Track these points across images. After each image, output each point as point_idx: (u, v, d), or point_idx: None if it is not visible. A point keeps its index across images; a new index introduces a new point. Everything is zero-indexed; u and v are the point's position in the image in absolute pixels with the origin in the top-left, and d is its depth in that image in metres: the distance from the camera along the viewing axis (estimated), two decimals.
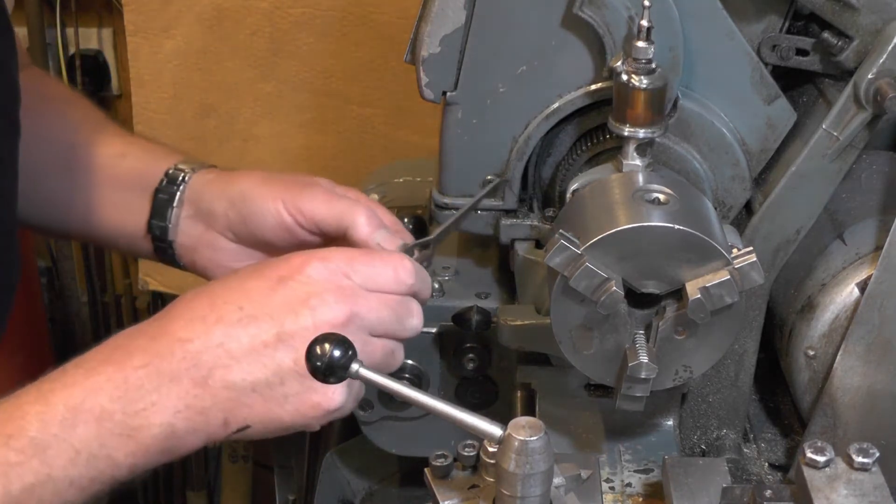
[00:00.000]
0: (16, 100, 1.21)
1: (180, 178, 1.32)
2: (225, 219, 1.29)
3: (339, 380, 0.89)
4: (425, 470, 0.97)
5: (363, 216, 1.20)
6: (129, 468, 1.04)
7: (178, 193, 1.32)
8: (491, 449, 0.91)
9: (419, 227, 1.35)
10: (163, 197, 1.32)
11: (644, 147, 1.08)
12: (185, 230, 1.33)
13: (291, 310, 1.06)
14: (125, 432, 1.03)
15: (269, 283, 1.08)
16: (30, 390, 1.03)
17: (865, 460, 0.95)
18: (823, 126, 1.10)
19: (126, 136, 1.40)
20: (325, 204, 1.22)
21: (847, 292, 1.13)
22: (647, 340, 1.03)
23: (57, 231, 1.44)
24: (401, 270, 1.12)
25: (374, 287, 1.10)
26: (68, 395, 1.02)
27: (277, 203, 1.24)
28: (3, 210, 1.21)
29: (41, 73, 1.43)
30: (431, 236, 1.21)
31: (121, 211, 1.36)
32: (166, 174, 1.33)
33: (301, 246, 1.24)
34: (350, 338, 1.03)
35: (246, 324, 1.06)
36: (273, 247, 1.26)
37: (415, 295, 1.13)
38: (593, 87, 1.14)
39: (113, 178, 1.35)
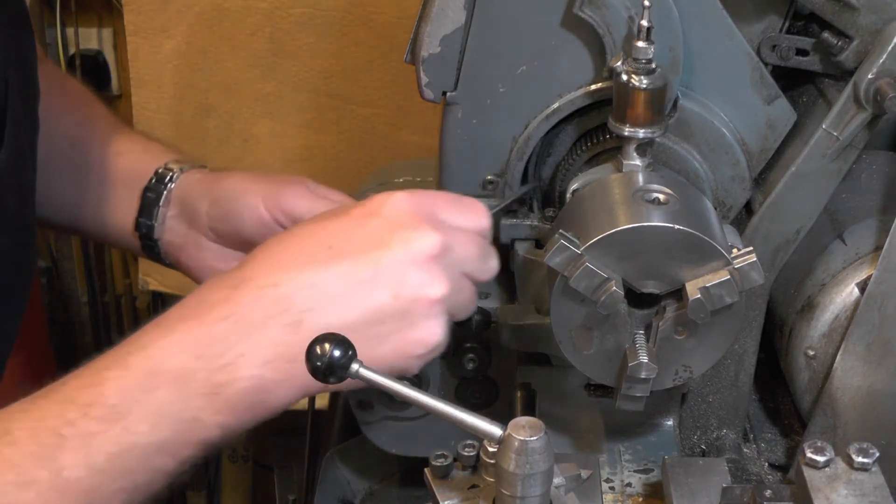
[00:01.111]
0: (36, 95, 1.22)
1: (168, 178, 1.33)
2: (207, 217, 1.29)
3: (339, 380, 0.89)
4: (425, 470, 0.97)
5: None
6: (217, 428, 0.98)
7: (165, 192, 1.32)
8: (491, 449, 0.91)
9: None
10: (150, 195, 1.33)
11: (644, 147, 1.08)
12: (171, 229, 1.33)
13: (384, 244, 1.00)
14: (209, 390, 0.97)
15: (354, 220, 1.03)
16: (106, 356, 0.98)
17: (865, 460, 0.95)
18: (823, 126, 1.10)
19: (125, 133, 1.41)
20: (305, 203, 1.22)
21: (847, 292, 1.13)
22: (647, 340, 1.03)
23: (58, 225, 1.44)
24: (481, 213, 1.08)
25: (457, 225, 1.05)
26: (147, 356, 0.97)
27: (258, 200, 1.24)
28: (24, 204, 1.21)
29: (49, 65, 1.43)
30: (496, 209, 1.19)
31: (114, 208, 1.36)
32: (156, 173, 1.33)
33: None
34: (443, 270, 1.01)
35: (337, 262, 1.00)
36: (253, 245, 1.26)
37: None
38: (593, 87, 1.14)
39: (110, 175, 1.36)
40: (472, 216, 1.08)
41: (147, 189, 1.33)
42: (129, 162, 1.36)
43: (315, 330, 0.95)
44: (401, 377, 1.20)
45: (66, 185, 1.36)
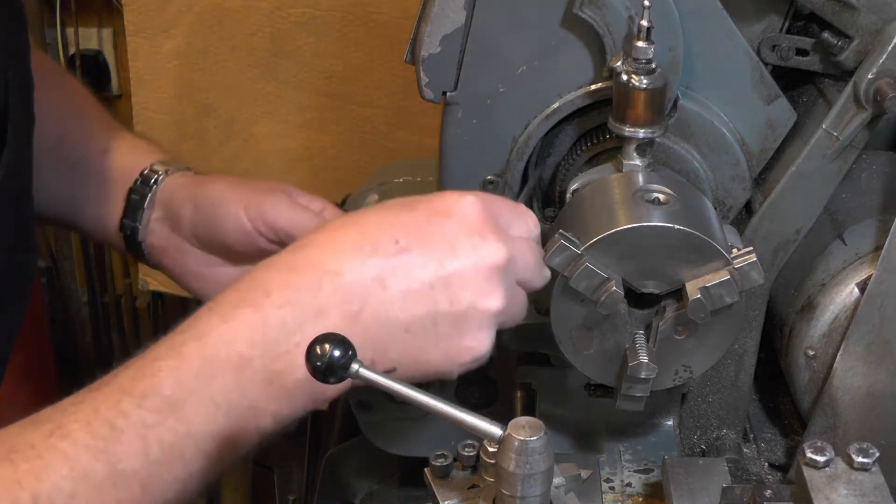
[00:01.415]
0: (31, 91, 1.21)
1: (153, 180, 1.32)
2: (190, 223, 1.29)
3: (339, 380, 0.89)
4: (425, 470, 0.97)
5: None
6: (273, 417, 0.97)
7: (150, 195, 1.32)
8: (491, 449, 0.91)
9: None
10: (135, 197, 1.32)
11: (644, 147, 1.08)
12: (155, 232, 1.33)
13: (451, 247, 0.99)
14: (267, 378, 0.95)
15: (424, 217, 1.01)
16: (160, 345, 0.96)
17: (865, 460, 0.95)
18: (823, 126, 1.10)
19: (112, 129, 1.40)
20: (287, 213, 1.22)
21: (847, 292, 1.13)
22: (647, 340, 1.03)
23: (47, 219, 1.43)
24: (532, 220, 1.07)
25: (517, 233, 1.04)
26: (202, 345, 0.95)
27: (239, 208, 1.23)
28: (24, 204, 1.21)
29: (40, 57, 1.43)
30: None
31: (98, 206, 1.36)
32: (141, 174, 1.33)
33: (261, 253, 1.22)
34: (503, 282, 1.00)
35: (404, 258, 0.98)
36: (234, 252, 1.26)
37: None
38: (593, 87, 1.14)
39: (96, 173, 1.36)
40: (529, 224, 1.07)
41: (132, 190, 1.33)
42: (115, 160, 1.36)
43: (373, 322, 0.97)
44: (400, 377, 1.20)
45: (55, 180, 1.36)
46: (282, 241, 1.22)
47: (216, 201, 1.26)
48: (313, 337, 0.92)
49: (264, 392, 0.96)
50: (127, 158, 1.35)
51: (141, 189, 1.32)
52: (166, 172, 1.33)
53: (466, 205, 1.02)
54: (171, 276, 1.35)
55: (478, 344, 1.01)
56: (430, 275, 0.99)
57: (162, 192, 1.32)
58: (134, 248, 1.35)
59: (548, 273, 1.06)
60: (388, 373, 0.97)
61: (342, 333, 0.93)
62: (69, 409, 0.94)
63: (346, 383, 0.95)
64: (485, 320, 1.01)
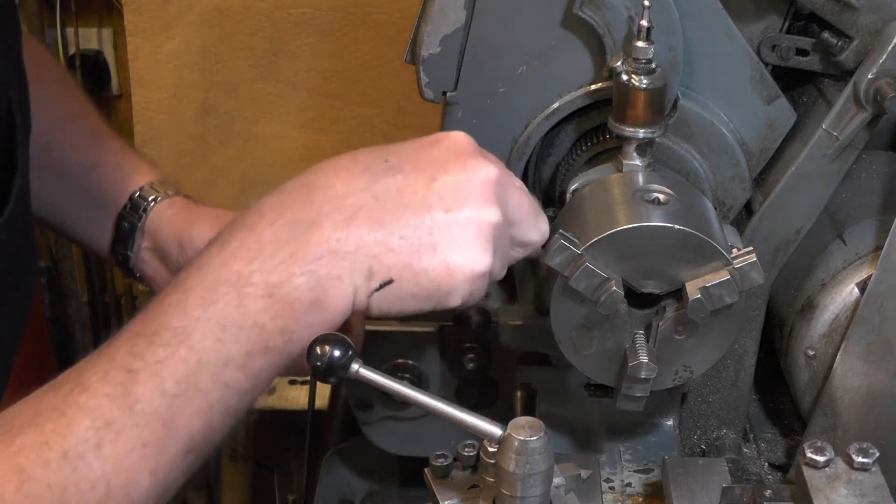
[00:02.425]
0: (28, 98, 1.21)
1: (142, 208, 1.32)
2: (176, 263, 1.29)
3: (339, 379, 0.89)
4: (425, 470, 0.97)
5: None
6: (280, 334, 0.96)
7: (139, 224, 1.31)
8: (491, 449, 0.91)
9: None
10: (125, 225, 1.32)
11: (644, 147, 1.08)
12: (146, 261, 1.33)
13: (442, 165, 1.00)
14: (266, 292, 0.95)
15: (415, 145, 1.02)
16: (169, 288, 0.97)
17: (865, 460, 0.95)
18: (823, 126, 1.10)
19: (99, 140, 1.38)
20: None
21: (847, 292, 1.13)
22: (647, 340, 1.03)
23: (43, 224, 1.43)
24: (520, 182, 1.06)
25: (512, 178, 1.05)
26: (204, 274, 0.96)
27: None
28: (28, 212, 1.21)
29: (32, 49, 1.42)
30: None
31: (89, 226, 1.35)
32: (130, 199, 1.32)
33: None
34: (497, 199, 0.99)
35: (394, 174, 0.99)
36: None
37: None
38: (593, 87, 1.14)
39: (82, 189, 1.35)
40: (518, 182, 1.06)
41: (121, 217, 1.32)
42: (101, 179, 1.34)
43: (365, 228, 0.96)
44: (401, 377, 1.20)
45: (42, 186, 1.35)
46: None
47: (199, 245, 1.25)
48: (306, 247, 0.95)
49: (266, 307, 0.95)
50: (114, 177, 1.34)
51: (130, 217, 1.32)
52: (155, 199, 1.32)
53: (455, 135, 1.03)
54: None
55: (476, 257, 0.99)
56: (422, 187, 0.99)
57: (151, 222, 1.31)
58: (127, 272, 1.36)
59: (544, 227, 1.06)
60: (384, 285, 0.97)
61: (334, 241, 0.95)
62: (86, 367, 0.94)
63: (350, 298, 0.97)
64: (483, 231, 0.99)
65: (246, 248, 0.96)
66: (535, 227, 1.05)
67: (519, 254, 1.06)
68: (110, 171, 1.35)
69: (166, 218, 1.31)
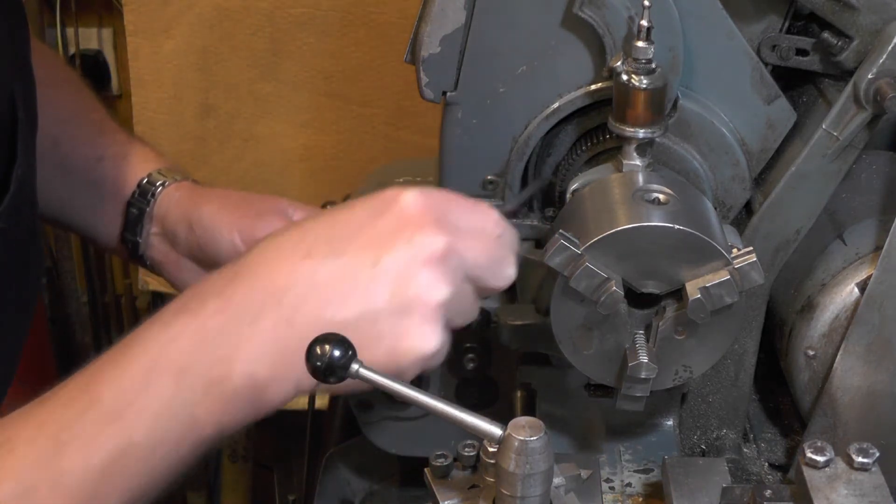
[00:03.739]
0: (34, 94, 1.21)
1: (150, 193, 1.31)
2: (186, 243, 1.28)
3: (339, 380, 0.89)
4: (425, 470, 0.97)
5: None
6: (213, 426, 0.96)
7: (148, 209, 1.31)
8: (491, 449, 0.91)
9: None
10: (134, 211, 1.32)
11: (644, 147, 1.08)
12: (155, 246, 1.33)
13: (387, 241, 0.96)
14: (204, 386, 0.94)
15: (361, 217, 0.99)
16: (104, 356, 0.96)
17: (865, 460, 0.95)
18: (823, 126, 1.10)
19: (106, 135, 1.39)
20: None
21: (847, 292, 1.13)
22: (647, 340, 1.03)
23: (50, 222, 1.43)
24: (495, 219, 1.03)
25: (472, 228, 1.01)
26: (142, 353, 0.95)
27: (233, 234, 1.23)
28: (33, 211, 1.21)
29: (39, 49, 1.42)
30: (513, 201, 1.18)
31: (98, 217, 1.35)
32: (139, 185, 1.32)
33: None
34: (446, 274, 0.96)
35: (335, 257, 0.96)
36: None
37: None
38: (593, 87, 1.14)
39: (90, 182, 1.35)
40: (487, 220, 1.03)
41: (130, 204, 1.32)
42: (109, 170, 1.35)
43: (308, 325, 0.94)
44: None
45: (50, 183, 1.35)
46: None
47: (209, 225, 1.25)
48: (249, 344, 0.94)
49: (204, 400, 0.95)
50: (121, 168, 1.34)
51: (139, 203, 1.31)
52: (163, 185, 1.32)
53: (404, 200, 0.99)
54: (175, 288, 1.34)
55: (423, 341, 0.97)
56: (365, 272, 0.96)
57: (159, 207, 1.31)
58: (136, 259, 1.35)
59: (509, 273, 1.03)
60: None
61: (276, 340, 0.94)
62: (17, 424, 0.94)
63: (291, 395, 0.96)
64: (428, 314, 0.97)
65: (187, 336, 0.95)
66: (498, 276, 1.03)
67: (488, 294, 1.05)
68: (118, 161, 1.35)
69: (174, 200, 1.31)
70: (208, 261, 1.27)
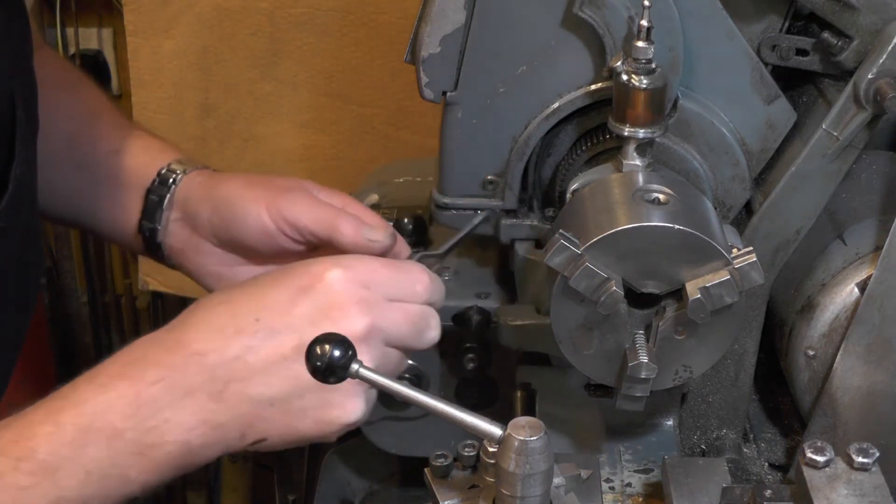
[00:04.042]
0: (35, 94, 1.21)
1: (171, 180, 1.32)
2: (209, 224, 1.28)
3: (339, 380, 0.89)
4: (425, 470, 0.97)
5: (347, 224, 1.19)
6: (141, 486, 1.03)
7: (168, 195, 1.31)
8: (491, 449, 0.91)
9: (419, 227, 1.35)
10: (153, 198, 1.32)
11: (644, 147, 1.08)
12: (174, 233, 1.32)
13: (311, 321, 1.04)
14: (138, 450, 1.01)
15: (289, 294, 1.06)
16: (39, 408, 1.01)
17: (865, 460, 0.95)
18: (823, 126, 1.10)
19: (123, 129, 1.39)
20: (308, 211, 1.21)
21: (847, 292, 1.13)
22: (647, 340, 1.03)
23: (60, 220, 1.44)
24: (419, 282, 1.11)
25: (394, 297, 1.09)
26: (78, 413, 1.00)
27: (261, 209, 1.23)
28: (32, 211, 1.21)
29: (51, 55, 1.42)
30: (442, 249, 1.21)
31: (114, 208, 1.35)
32: (158, 174, 1.32)
33: (283, 252, 1.24)
34: (368, 352, 1.04)
35: (264, 336, 1.04)
36: (255, 252, 1.26)
37: (431, 305, 1.13)
38: (593, 87, 1.14)
39: (108, 174, 1.35)
40: (412, 287, 1.10)
41: (150, 191, 1.32)
42: (129, 160, 1.35)
43: (238, 401, 1.03)
44: (400, 377, 1.21)
45: (66, 181, 1.35)
46: (305, 240, 1.22)
47: (235, 201, 1.25)
48: (181, 416, 1.01)
49: (134, 462, 1.01)
50: (141, 159, 1.34)
51: (159, 190, 1.31)
52: (184, 172, 1.32)
53: (331, 276, 1.06)
54: (191, 276, 1.34)
55: (347, 412, 1.06)
56: (290, 350, 1.03)
57: (180, 192, 1.31)
58: (153, 248, 1.35)
59: (431, 336, 1.12)
60: (257, 443, 1.05)
61: (208, 412, 1.02)
62: None
63: (218, 455, 1.04)
64: (351, 388, 1.04)
65: (125, 402, 1.01)
66: (420, 341, 1.12)
67: (406, 357, 1.14)
68: (136, 152, 1.35)
69: (196, 184, 1.31)
70: (232, 240, 1.27)
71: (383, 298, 1.08)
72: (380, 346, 1.07)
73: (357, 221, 1.20)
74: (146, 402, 1.01)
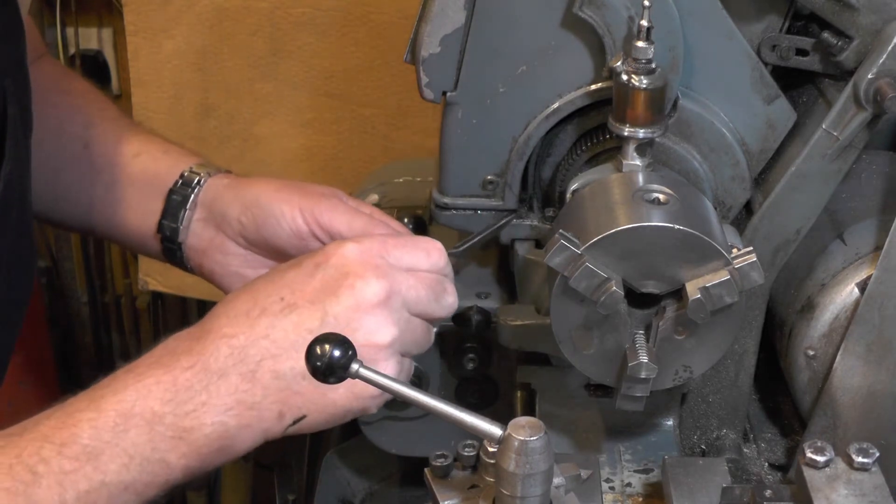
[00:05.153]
0: (29, 92, 1.22)
1: (196, 181, 1.32)
2: (238, 224, 1.28)
3: (339, 379, 0.89)
4: (425, 470, 0.97)
5: (382, 231, 1.21)
6: (182, 470, 1.05)
7: (193, 196, 1.32)
8: (491, 449, 0.91)
9: (419, 227, 1.35)
10: (176, 198, 1.32)
11: (644, 147, 1.08)
12: (197, 233, 1.33)
13: (332, 292, 1.08)
14: (177, 434, 1.03)
15: (306, 270, 1.10)
16: (81, 398, 1.04)
17: (865, 460, 0.95)
18: (823, 126, 1.10)
19: (141, 134, 1.40)
20: (345, 218, 1.23)
21: (847, 292, 1.13)
22: (647, 340, 1.03)
23: (73, 227, 1.44)
24: (433, 252, 1.14)
25: (409, 266, 1.12)
26: (119, 400, 1.03)
27: (295, 211, 1.24)
28: (23, 211, 1.21)
29: (57, 64, 1.42)
30: (460, 248, 1.21)
31: (133, 209, 1.35)
32: (182, 176, 1.33)
33: None
34: (391, 315, 1.08)
35: (288, 312, 1.07)
36: (284, 254, 1.26)
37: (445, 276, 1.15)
38: (593, 87, 1.14)
39: (126, 176, 1.35)
40: (424, 256, 1.13)
41: (172, 192, 1.32)
42: (148, 163, 1.36)
43: (270, 378, 1.05)
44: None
45: (79, 186, 1.36)
46: None
47: (267, 203, 1.26)
48: (216, 398, 1.04)
49: (174, 447, 1.04)
50: (163, 162, 1.36)
51: (182, 190, 1.32)
52: (208, 174, 1.33)
53: (343, 252, 1.10)
54: (210, 278, 1.35)
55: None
56: (315, 323, 1.07)
57: (205, 193, 1.32)
58: (171, 250, 1.35)
59: (450, 303, 1.14)
60: (297, 421, 1.07)
61: (242, 393, 1.05)
62: None
63: (259, 442, 1.07)
64: (380, 353, 1.08)
65: (162, 387, 1.04)
66: (440, 306, 1.14)
67: (438, 322, 1.17)
68: (158, 156, 1.37)
69: (223, 185, 1.32)
70: (262, 241, 1.27)
71: (398, 266, 1.11)
72: (402, 310, 1.10)
73: (389, 229, 1.22)
74: (182, 386, 1.04)
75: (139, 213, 1.35)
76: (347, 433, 1.47)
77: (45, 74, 1.28)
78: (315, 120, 2.40)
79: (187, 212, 1.32)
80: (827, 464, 0.95)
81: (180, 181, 1.33)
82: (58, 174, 1.31)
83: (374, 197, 1.48)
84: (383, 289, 1.08)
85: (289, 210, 1.24)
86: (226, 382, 1.05)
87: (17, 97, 1.16)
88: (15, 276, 1.21)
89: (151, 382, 1.04)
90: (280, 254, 1.27)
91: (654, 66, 1.05)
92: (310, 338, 1.02)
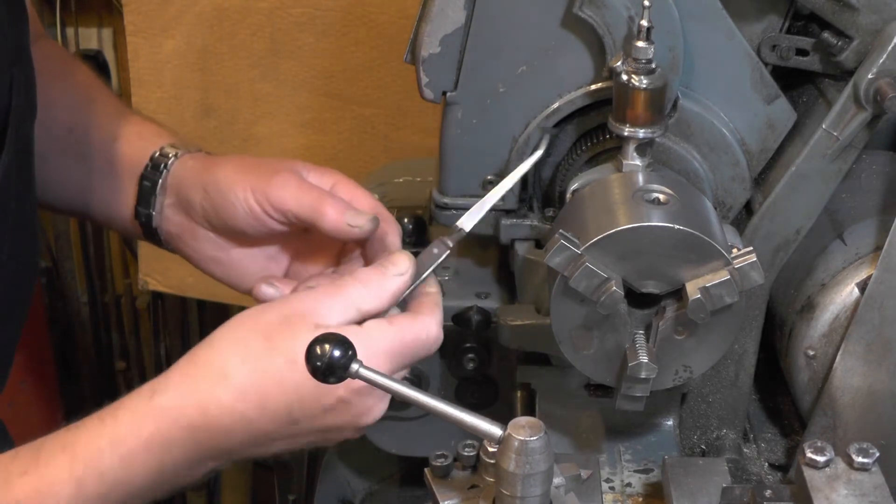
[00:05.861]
0: (34, 81, 1.21)
1: (163, 165, 1.31)
2: (201, 209, 1.27)
3: (339, 379, 0.89)
4: (425, 470, 0.97)
5: (331, 208, 1.18)
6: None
7: (161, 180, 1.30)
8: (491, 449, 0.91)
9: (419, 227, 1.35)
10: (146, 184, 1.31)
11: (644, 147, 1.08)
12: (169, 218, 1.32)
13: (338, 428, 1.11)
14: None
15: (325, 404, 1.09)
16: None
17: (865, 460, 0.95)
18: (823, 126, 1.10)
19: (119, 115, 1.38)
20: (293, 194, 1.21)
21: (847, 292, 1.13)
22: (647, 340, 1.03)
23: (72, 212, 1.43)
24: (434, 343, 1.12)
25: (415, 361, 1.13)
26: (101, 482, 1.05)
27: (247, 192, 1.22)
28: (24, 203, 1.21)
29: (55, 46, 1.41)
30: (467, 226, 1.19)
31: (112, 195, 1.35)
32: (151, 158, 1.31)
33: (273, 235, 1.24)
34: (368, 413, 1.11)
35: (294, 433, 1.10)
36: (245, 235, 1.26)
37: None
38: (593, 87, 1.14)
39: (105, 162, 1.34)
40: (426, 351, 1.12)
41: (143, 177, 1.31)
42: (125, 147, 1.34)
43: (247, 455, 1.12)
44: (401, 377, 1.21)
45: (66, 171, 1.35)
46: (291, 222, 1.22)
47: (224, 186, 1.25)
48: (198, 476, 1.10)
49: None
50: (136, 144, 1.34)
51: (151, 175, 1.31)
52: (176, 156, 1.31)
53: (362, 405, 1.10)
54: (190, 262, 1.34)
55: (371, 415, 1.11)
56: (314, 436, 1.12)
57: (172, 176, 1.30)
58: (150, 235, 1.34)
59: (437, 346, 1.13)
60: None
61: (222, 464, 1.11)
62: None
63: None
64: (359, 432, 1.13)
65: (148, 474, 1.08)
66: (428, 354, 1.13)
67: None
68: (132, 139, 1.35)
69: (188, 168, 1.31)
70: (224, 224, 1.26)
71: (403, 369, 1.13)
72: (381, 400, 1.12)
73: (341, 205, 1.19)
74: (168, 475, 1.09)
75: (120, 199, 1.34)
76: None
77: (43, 56, 1.27)
78: (315, 120, 2.40)
79: (157, 197, 1.31)
80: (827, 464, 0.95)
81: (150, 165, 1.31)
82: (45, 158, 1.30)
83: (374, 197, 1.47)
84: (382, 412, 1.12)
85: (241, 191, 1.23)
86: (208, 467, 1.11)
87: (24, 85, 1.16)
88: (16, 271, 1.21)
89: (139, 463, 1.07)
90: (241, 235, 1.26)
91: (654, 66, 1.05)
92: (294, 440, 1.10)
